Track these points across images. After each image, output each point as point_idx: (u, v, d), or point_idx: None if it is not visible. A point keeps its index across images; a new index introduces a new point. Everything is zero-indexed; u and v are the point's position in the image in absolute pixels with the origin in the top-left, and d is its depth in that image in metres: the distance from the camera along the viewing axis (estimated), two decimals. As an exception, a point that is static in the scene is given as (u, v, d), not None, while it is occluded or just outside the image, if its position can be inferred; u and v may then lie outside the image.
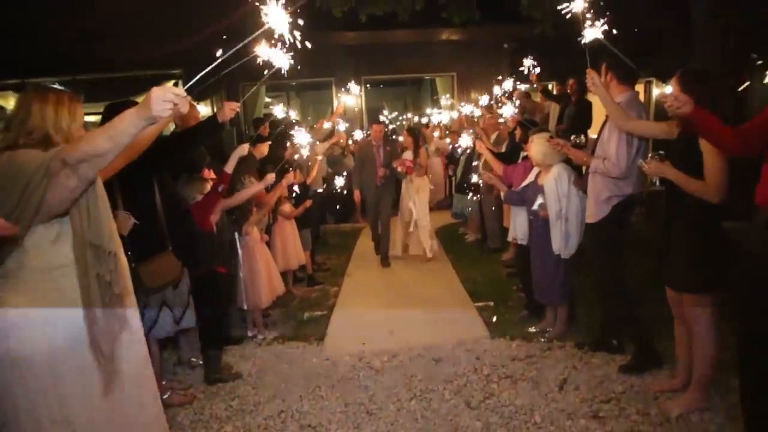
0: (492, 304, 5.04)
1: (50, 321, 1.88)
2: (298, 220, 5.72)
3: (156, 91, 1.67)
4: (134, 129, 1.74)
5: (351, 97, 10.54)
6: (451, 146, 8.88)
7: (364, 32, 10.21)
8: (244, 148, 3.69)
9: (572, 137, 3.83)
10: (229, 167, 3.61)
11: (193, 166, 3.54)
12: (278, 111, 5.06)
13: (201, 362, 3.83)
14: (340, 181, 7.30)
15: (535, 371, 3.55)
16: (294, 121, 5.28)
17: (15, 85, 9.41)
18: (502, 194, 4.70)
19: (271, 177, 4.10)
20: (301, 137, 5.27)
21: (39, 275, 1.91)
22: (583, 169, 4.06)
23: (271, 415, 3.17)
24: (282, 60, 3.09)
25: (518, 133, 4.87)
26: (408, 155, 6.93)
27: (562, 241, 3.92)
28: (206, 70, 2.06)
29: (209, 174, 3.56)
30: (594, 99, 8.03)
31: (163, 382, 3.42)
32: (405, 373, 3.64)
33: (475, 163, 6.95)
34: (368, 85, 10.91)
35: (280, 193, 4.89)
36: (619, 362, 3.56)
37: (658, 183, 2.87)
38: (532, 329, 4.34)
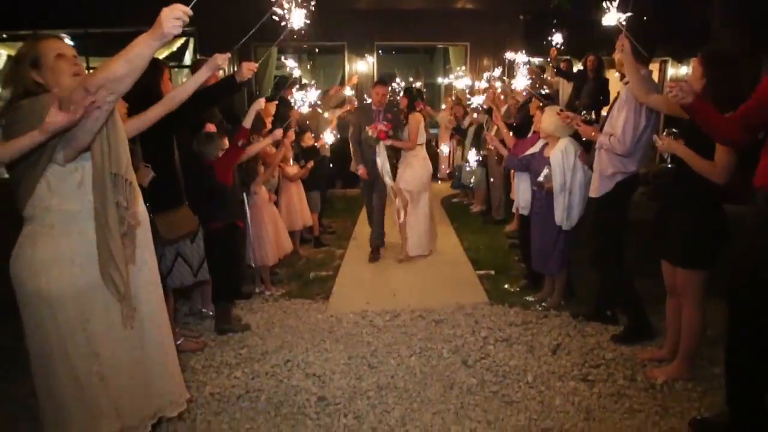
0: (493, 272, 5.19)
1: (77, 261, 2.02)
2: (307, 183, 5.83)
3: (165, 11, 1.74)
4: (149, 50, 1.80)
5: (363, 63, 10.56)
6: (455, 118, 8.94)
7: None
8: (260, 102, 3.79)
9: (583, 113, 3.91)
10: (247, 122, 3.71)
11: (199, 124, 3.64)
12: (291, 64, 5.08)
13: (211, 313, 4.01)
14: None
15: (530, 336, 3.71)
16: (304, 83, 5.31)
17: (26, 35, 9.42)
18: (504, 157, 4.78)
19: (278, 133, 4.20)
20: (309, 95, 5.27)
21: (65, 217, 2.03)
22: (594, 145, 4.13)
23: (277, 364, 3.36)
24: (298, 19, 3.18)
25: (534, 104, 4.92)
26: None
27: (564, 213, 4.03)
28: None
29: (211, 128, 3.66)
30: (611, 76, 8.06)
31: (176, 329, 3.60)
32: (406, 332, 3.81)
33: (482, 134, 7.03)
34: (380, 51, 10.83)
35: (285, 152, 4.99)
36: (612, 332, 3.71)
37: (669, 161, 2.95)
38: (530, 298, 4.49)
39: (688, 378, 3.09)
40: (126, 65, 1.81)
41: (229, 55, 2.76)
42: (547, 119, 4.06)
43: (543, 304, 4.36)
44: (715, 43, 5.97)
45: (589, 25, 8.84)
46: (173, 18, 1.74)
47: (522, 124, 5.44)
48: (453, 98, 10.51)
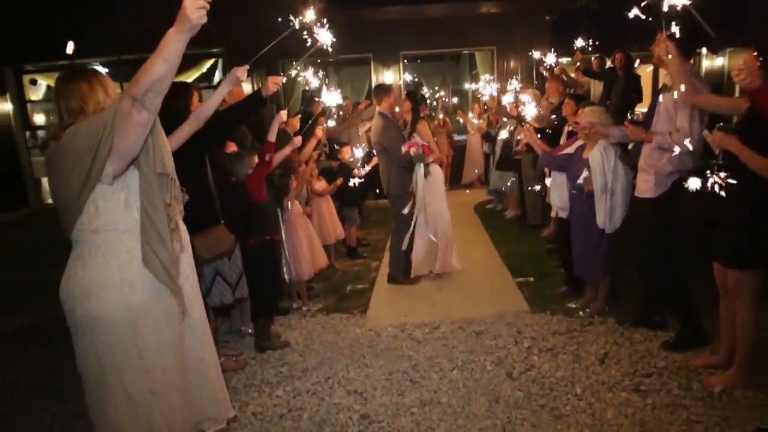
0: (532, 279, 5.06)
1: (126, 281, 2.03)
2: (338, 199, 5.83)
3: (187, 1, 1.76)
4: (181, 44, 1.82)
5: (389, 73, 10.58)
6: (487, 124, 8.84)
7: (402, 7, 10.15)
8: (282, 116, 3.79)
9: (629, 114, 3.80)
10: (272, 135, 3.72)
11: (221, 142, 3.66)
12: (310, 77, 4.94)
13: (251, 331, 4.02)
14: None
15: (575, 345, 3.59)
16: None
17: (63, 66, 9.79)
18: (539, 156, 4.63)
19: (297, 140, 4.18)
20: (331, 98, 4.96)
21: (112, 238, 2.05)
22: (629, 144, 4.01)
23: (318, 381, 3.33)
24: (326, 36, 3.20)
25: (567, 106, 4.81)
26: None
27: (607, 216, 3.90)
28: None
29: (232, 146, 3.68)
30: (642, 72, 7.85)
31: (218, 348, 3.62)
32: (446, 344, 3.74)
33: (507, 137, 6.93)
34: (405, 61, 10.84)
35: (311, 167, 5.00)
36: (662, 338, 3.56)
37: (720, 156, 2.82)
38: (572, 305, 4.36)
39: (747, 385, 2.93)
40: (164, 64, 1.83)
41: (247, 67, 2.78)
42: (589, 120, 3.94)
43: (586, 310, 4.23)
44: (750, 34, 5.77)
45: (618, 22, 8.73)
46: (197, 8, 1.76)
47: (553, 133, 5.29)
48: (482, 104, 10.46)
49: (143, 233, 2.04)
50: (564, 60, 8.87)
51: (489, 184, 8.93)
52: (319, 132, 4.92)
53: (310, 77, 4.91)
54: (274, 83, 3.00)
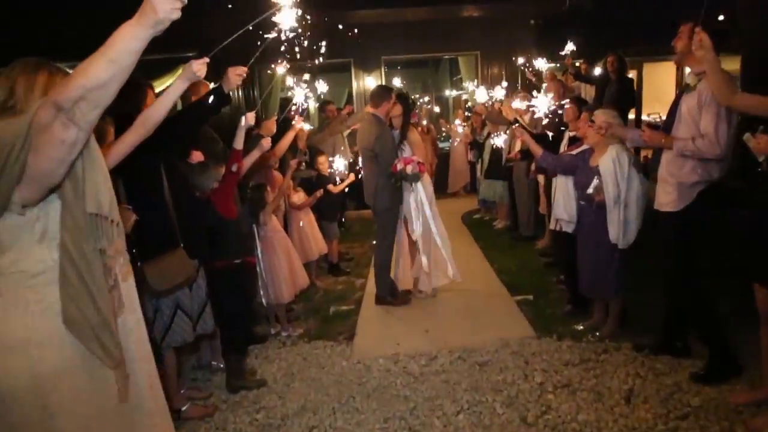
0: (531, 297, 4.66)
1: (35, 341, 1.51)
2: (318, 213, 5.39)
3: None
4: (138, 43, 1.35)
5: (371, 78, 10.15)
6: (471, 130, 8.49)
7: (383, 10, 9.75)
8: (249, 118, 3.25)
9: (650, 117, 3.41)
10: (238, 143, 3.22)
11: (182, 151, 3.14)
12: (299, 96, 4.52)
13: (222, 365, 3.51)
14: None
15: (594, 379, 3.16)
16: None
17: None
18: (539, 157, 4.16)
19: (267, 142, 3.59)
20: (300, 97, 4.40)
21: (18, 282, 1.52)
22: (643, 151, 3.63)
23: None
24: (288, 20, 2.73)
25: (569, 110, 4.41)
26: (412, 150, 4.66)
27: (620, 230, 3.51)
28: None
29: (198, 156, 3.19)
30: (634, 75, 7.57)
31: (182, 391, 3.11)
32: (447, 379, 3.28)
33: (501, 146, 6.53)
34: (386, 67, 10.42)
35: (288, 178, 4.52)
36: (688, 367, 3.17)
37: (764, 164, 2.44)
38: (580, 327, 3.96)
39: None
40: (110, 66, 1.34)
41: (206, 60, 2.25)
42: (600, 123, 3.54)
43: (596, 333, 3.82)
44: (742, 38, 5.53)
45: (607, 23, 8.45)
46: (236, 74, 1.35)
47: (554, 133, 4.89)
48: (465, 110, 10.09)
49: (64, 284, 1.51)
50: (551, 65, 8.57)
51: (478, 194, 8.58)
52: (297, 123, 4.43)
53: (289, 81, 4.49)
54: (237, 75, 2.46)
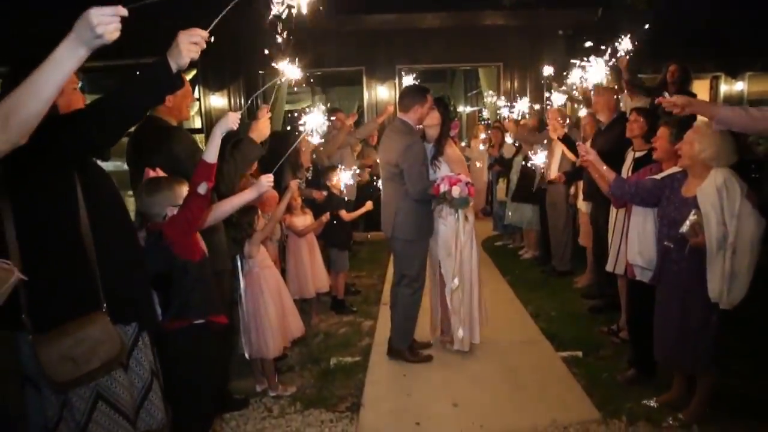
0: (581, 355, 3.76)
1: None
2: (323, 238, 4.53)
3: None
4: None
5: (383, 88, 9.33)
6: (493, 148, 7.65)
7: (398, 15, 8.97)
8: (230, 118, 2.24)
9: None
10: (211, 155, 2.16)
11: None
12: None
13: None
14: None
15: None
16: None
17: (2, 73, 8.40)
18: (607, 183, 3.17)
19: (266, 178, 2.58)
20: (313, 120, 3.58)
21: None
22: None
23: None
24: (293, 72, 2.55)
25: (635, 125, 3.52)
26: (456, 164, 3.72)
27: (724, 284, 2.58)
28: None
29: (155, 174, 2.26)
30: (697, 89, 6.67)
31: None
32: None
33: (539, 164, 5.61)
34: (400, 77, 9.58)
35: (291, 198, 3.58)
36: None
37: None
38: (653, 403, 3.06)
39: None
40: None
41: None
42: (705, 141, 2.61)
43: (679, 416, 2.89)
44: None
45: (660, 31, 7.59)
46: (191, 43, 1.50)
47: (611, 151, 3.93)
48: (486, 125, 9.23)
49: None
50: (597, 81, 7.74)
51: (496, 218, 7.68)
52: (294, 185, 3.46)
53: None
54: (192, 43, 1.55)
